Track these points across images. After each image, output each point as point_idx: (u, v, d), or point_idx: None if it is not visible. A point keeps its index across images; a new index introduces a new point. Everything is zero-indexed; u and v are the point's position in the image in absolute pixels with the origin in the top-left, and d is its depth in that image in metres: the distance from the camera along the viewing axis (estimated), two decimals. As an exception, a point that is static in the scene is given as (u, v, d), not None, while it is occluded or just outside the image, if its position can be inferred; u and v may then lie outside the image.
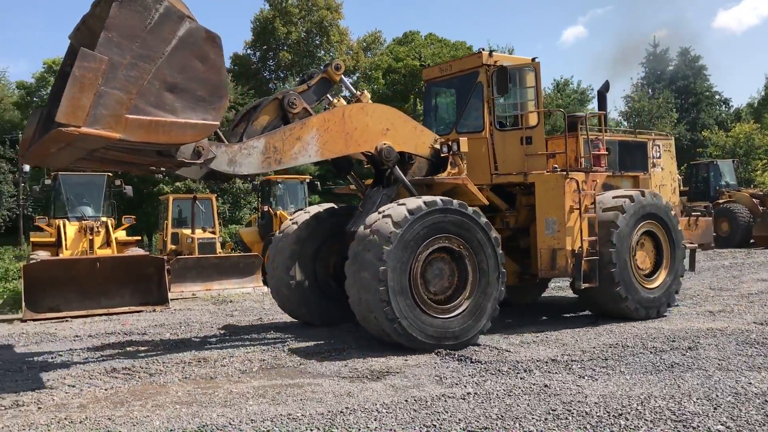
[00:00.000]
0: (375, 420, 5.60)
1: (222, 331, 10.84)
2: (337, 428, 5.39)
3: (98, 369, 7.84)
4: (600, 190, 10.99)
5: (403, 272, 8.43)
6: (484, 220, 9.09)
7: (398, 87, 49.54)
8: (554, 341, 9.07)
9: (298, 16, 53.01)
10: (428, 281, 8.80)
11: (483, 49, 10.91)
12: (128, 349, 9.47)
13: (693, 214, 12.84)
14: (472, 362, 7.87)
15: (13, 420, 5.83)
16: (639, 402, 5.89)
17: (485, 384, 6.76)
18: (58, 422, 5.70)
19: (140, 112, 6.63)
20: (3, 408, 6.27)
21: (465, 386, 6.71)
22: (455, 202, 8.97)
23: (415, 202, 8.74)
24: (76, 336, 10.81)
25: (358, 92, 10.36)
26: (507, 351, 8.46)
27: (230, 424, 5.55)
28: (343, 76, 10.08)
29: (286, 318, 11.48)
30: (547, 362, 7.68)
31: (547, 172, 10.58)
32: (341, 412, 5.85)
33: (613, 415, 5.53)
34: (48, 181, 19.55)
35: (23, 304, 13.18)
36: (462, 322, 8.80)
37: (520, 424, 5.36)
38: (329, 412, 5.85)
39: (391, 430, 5.33)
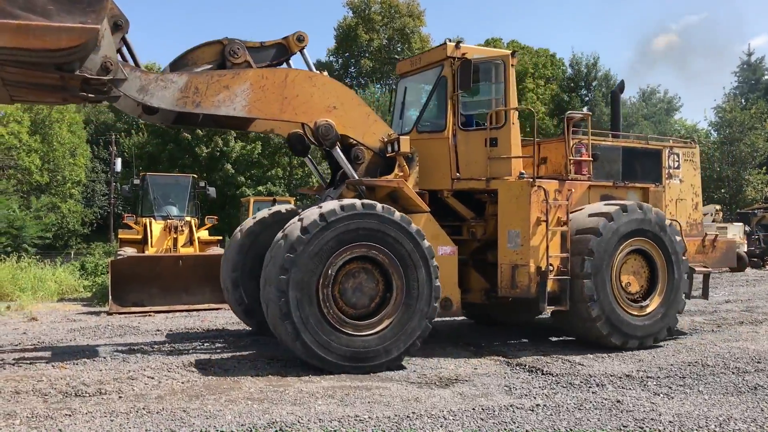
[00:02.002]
0: (441, 426, 5.59)
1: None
2: (403, 432, 5.42)
3: (176, 362, 8.13)
4: (596, 201, 9.94)
5: (311, 284, 7.61)
6: (414, 227, 8.15)
7: (478, 94, 49.19)
8: (630, 356, 8.81)
9: (380, 24, 53.55)
10: (346, 295, 7.94)
11: (450, 40, 9.79)
12: (206, 345, 9.78)
13: (709, 234, 11.10)
14: (543, 374, 7.75)
15: (96, 407, 6.12)
16: (717, 424, 5.67)
17: (555, 396, 6.64)
18: (137, 411, 5.95)
19: (7, 15, 6.38)
20: (87, 395, 6.60)
21: (534, 398, 6.61)
22: (379, 206, 8.01)
23: (330, 205, 7.89)
24: (158, 330, 11.25)
25: (317, 72, 9.42)
26: (580, 364, 8.28)
27: (299, 422, 5.66)
28: (305, 51, 9.31)
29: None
30: (621, 377, 7.48)
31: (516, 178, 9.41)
32: (408, 416, 5.87)
33: (688, 436, 5.34)
34: (137, 181, 20.40)
35: (110, 297, 13.81)
36: (381, 341, 7.85)
37: (589, 439, 5.25)
38: (396, 415, 5.88)
39: (456, 437, 5.32)
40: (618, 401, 6.37)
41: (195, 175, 21.94)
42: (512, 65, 9.75)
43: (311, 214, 7.86)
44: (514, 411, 6.06)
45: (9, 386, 6.88)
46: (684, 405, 6.30)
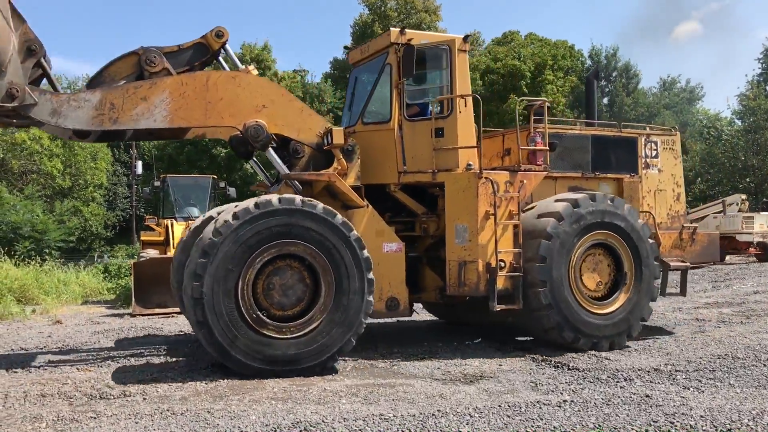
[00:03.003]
0: (467, 424, 5.52)
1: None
2: (429, 431, 5.35)
3: (200, 364, 8.13)
4: (565, 192, 9.36)
5: (228, 287, 7.30)
6: (340, 219, 7.72)
7: (496, 87, 48.93)
8: (657, 350, 8.68)
9: (396, 20, 53.34)
10: (271, 296, 7.60)
11: (393, 26, 9.08)
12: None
13: (687, 226, 10.32)
14: (569, 369, 7.64)
15: (120, 409, 6.13)
16: (750, 417, 5.53)
17: (583, 392, 6.54)
18: (161, 413, 5.94)
19: None
20: (112, 397, 6.60)
21: (561, 393, 6.51)
22: (298, 200, 7.65)
23: (245, 204, 7.59)
24: (181, 331, 11.28)
25: (244, 67, 8.90)
26: (606, 359, 8.15)
27: (323, 421, 5.61)
28: (228, 47, 8.81)
29: (381, 319, 11.51)
30: (649, 372, 7.35)
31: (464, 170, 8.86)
32: (433, 414, 5.80)
33: (721, 430, 5.22)
34: (157, 183, 20.52)
35: (133, 299, 13.88)
36: (311, 342, 7.51)
37: (618, 435, 5.14)
38: (421, 413, 5.81)
39: (483, 435, 5.24)
40: (647, 396, 6.25)
41: (215, 176, 22.02)
42: (462, 51, 9.12)
43: (225, 214, 7.57)
44: (541, 407, 5.97)
45: (35, 389, 6.90)
46: (715, 399, 6.17)
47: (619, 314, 8.84)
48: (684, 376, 7.10)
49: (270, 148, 8.54)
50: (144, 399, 6.54)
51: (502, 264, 8.59)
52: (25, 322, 13.41)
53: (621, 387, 6.69)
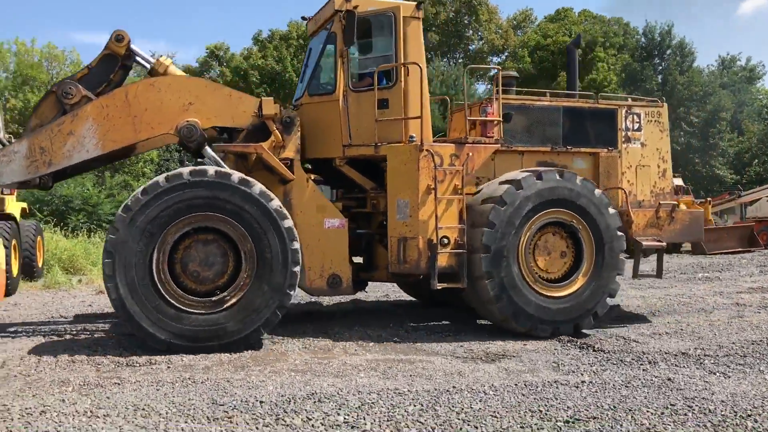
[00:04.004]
0: (480, 401, 5.50)
1: (348, 306, 11.09)
2: (440, 406, 5.35)
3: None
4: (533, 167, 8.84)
5: (141, 263, 7.24)
6: (258, 189, 7.49)
7: (546, 65, 48.08)
8: (689, 334, 8.49)
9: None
10: (188, 269, 7.49)
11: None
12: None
13: (664, 203, 9.48)
14: (594, 351, 7.54)
15: (145, 376, 6.31)
16: (773, 404, 5.37)
17: (603, 373, 6.45)
18: (182, 381, 6.09)
19: None
20: (138, 365, 6.80)
21: (582, 374, 6.44)
22: (211, 171, 7.47)
23: (154, 180, 7.52)
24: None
25: (155, 58, 8.74)
26: (635, 341, 8.01)
27: (338, 393, 5.67)
28: (133, 46, 8.57)
29: (412, 297, 11.56)
30: (676, 355, 7.20)
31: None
32: (448, 390, 5.80)
33: (741, 416, 5.08)
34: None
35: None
36: (233, 316, 7.38)
37: (632, 417, 5.06)
38: (435, 389, 5.83)
39: (494, 412, 5.22)
40: (669, 379, 6.12)
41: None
42: (413, 18, 8.68)
43: (137, 189, 7.55)
44: (557, 387, 5.91)
45: (66, 355, 7.15)
46: (740, 385, 6.00)
47: (580, 295, 8.41)
48: (712, 361, 6.93)
49: (207, 148, 8.29)
50: (168, 367, 6.72)
51: (446, 240, 8.27)
52: (70, 292, 13.89)
53: (644, 370, 6.57)
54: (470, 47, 56.85)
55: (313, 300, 11.74)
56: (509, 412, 5.22)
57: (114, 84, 8.53)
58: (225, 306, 7.42)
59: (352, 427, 4.90)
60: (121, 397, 5.59)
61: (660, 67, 51.44)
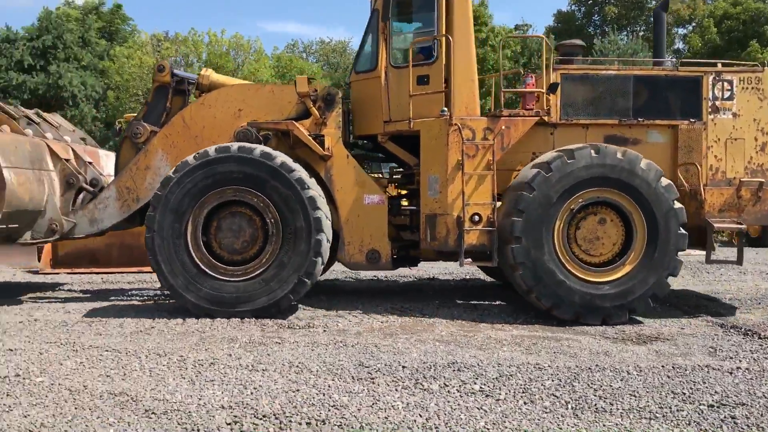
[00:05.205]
0: (621, 380, 5.43)
1: (499, 282, 11.13)
2: (579, 382, 5.36)
3: (380, 306, 8.75)
4: (600, 142, 8.19)
5: (177, 236, 7.79)
6: (279, 160, 7.81)
7: (735, 35, 44.21)
8: None
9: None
10: (222, 241, 7.99)
11: None
12: (407, 291, 10.31)
13: (746, 181, 8.36)
14: (760, 338, 7.08)
15: (302, 338, 6.86)
16: None
17: (765, 362, 6.07)
18: (335, 344, 6.56)
19: None
20: (297, 328, 7.39)
21: (739, 361, 6.10)
22: (234, 147, 7.88)
23: (185, 159, 7.96)
24: (374, 276, 12.05)
25: (201, 72, 9.32)
26: (812, 330, 7.40)
27: (478, 364, 5.84)
28: (175, 70, 9.30)
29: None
30: None
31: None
32: (589, 368, 5.77)
33: None
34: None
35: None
36: (262, 283, 7.78)
37: (787, 407, 4.77)
38: (577, 366, 5.82)
39: (633, 391, 5.14)
40: (840, 372, 5.65)
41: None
42: None
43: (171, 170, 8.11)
44: (708, 371, 5.67)
45: (237, 317, 7.89)
46: None
47: (632, 278, 7.79)
48: None
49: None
50: (324, 331, 7.23)
51: (477, 218, 8.12)
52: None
53: (813, 360, 6.10)
54: (650, 19, 53.50)
55: (466, 275, 11.93)
56: (649, 392, 5.12)
57: (175, 111, 9.14)
58: (254, 274, 7.87)
59: (487, 395, 5.06)
60: (280, 354, 6.14)
61: None
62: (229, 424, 4.40)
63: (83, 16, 40.48)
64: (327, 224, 7.96)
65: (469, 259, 8.24)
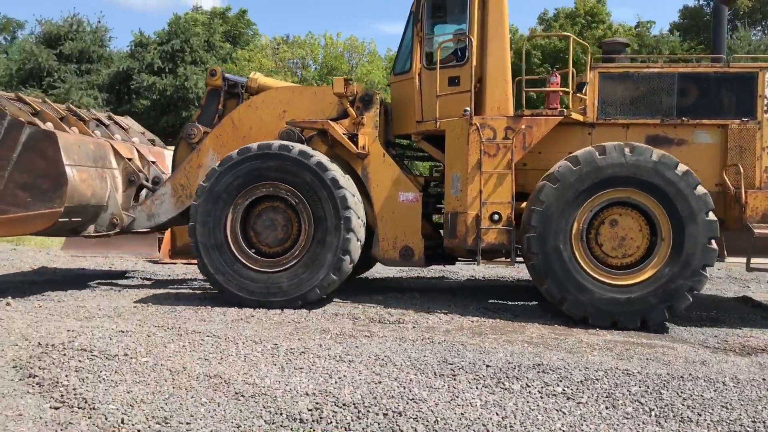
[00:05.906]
0: (714, 391, 5.21)
1: None
2: (667, 390, 5.19)
3: (472, 305, 8.76)
4: (642, 143, 7.87)
5: (217, 226, 8.20)
6: (315, 159, 8.13)
7: None
8: None
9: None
10: (258, 233, 8.41)
11: None
12: (501, 292, 10.26)
13: None
14: None
15: (391, 332, 7.00)
16: None
17: None
18: (422, 340, 6.65)
19: (2, 212, 8.18)
20: (388, 322, 7.56)
21: None
22: (275, 144, 8.24)
23: (229, 153, 8.37)
24: (472, 276, 12.05)
25: (250, 75, 9.73)
26: None
27: (564, 367, 5.76)
28: (226, 74, 9.87)
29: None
30: None
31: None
32: (681, 377, 5.56)
33: None
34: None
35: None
36: (292, 276, 8.11)
37: None
38: (668, 374, 5.62)
39: (726, 403, 4.92)
40: None
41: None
42: None
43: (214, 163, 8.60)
44: (813, 388, 5.33)
45: (332, 309, 8.18)
46: None
47: (652, 284, 7.54)
48: None
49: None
50: (413, 327, 7.36)
51: (497, 216, 8.16)
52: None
53: None
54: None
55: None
56: (744, 405, 4.90)
57: (227, 112, 9.62)
58: (285, 267, 8.24)
59: (568, 398, 5.00)
60: (367, 347, 6.31)
61: None
62: (310, 410, 4.59)
63: (209, 20, 42.61)
64: (357, 224, 8.26)
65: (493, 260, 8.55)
